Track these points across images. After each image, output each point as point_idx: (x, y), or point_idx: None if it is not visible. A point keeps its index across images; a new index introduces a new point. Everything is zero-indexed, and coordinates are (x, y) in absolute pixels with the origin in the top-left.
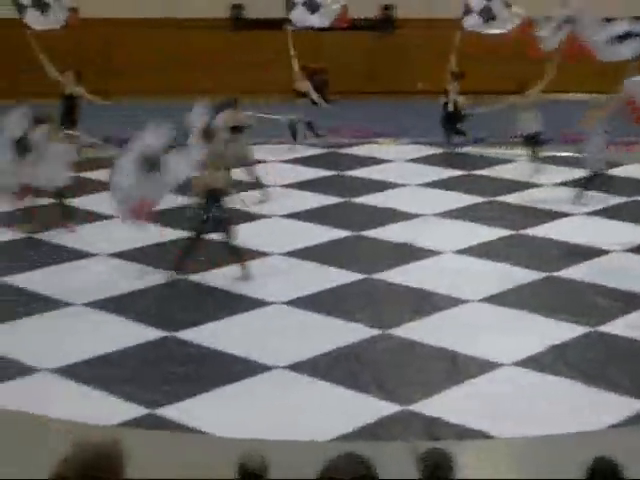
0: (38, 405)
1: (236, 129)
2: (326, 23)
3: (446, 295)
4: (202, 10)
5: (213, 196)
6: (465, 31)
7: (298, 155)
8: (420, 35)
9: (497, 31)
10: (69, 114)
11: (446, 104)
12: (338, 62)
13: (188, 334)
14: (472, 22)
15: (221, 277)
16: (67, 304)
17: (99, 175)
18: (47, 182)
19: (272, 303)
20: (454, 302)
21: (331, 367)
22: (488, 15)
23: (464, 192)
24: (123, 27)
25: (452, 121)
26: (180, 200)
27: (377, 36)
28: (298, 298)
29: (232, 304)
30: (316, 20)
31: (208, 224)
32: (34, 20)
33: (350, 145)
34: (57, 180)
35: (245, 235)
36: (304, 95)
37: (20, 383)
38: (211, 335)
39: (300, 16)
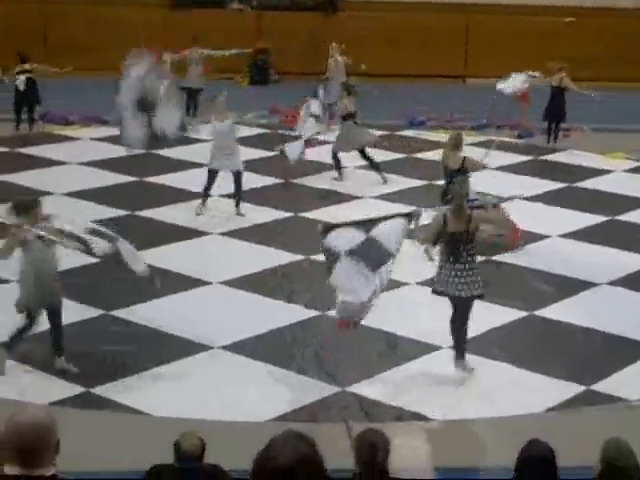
0: None
1: (350, 115)
2: None
3: None
4: None
5: None
6: None
7: None
8: (363, 17)
9: None
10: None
11: None
12: (281, 43)
13: (125, 313)
14: None
15: (159, 256)
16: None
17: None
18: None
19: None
20: (394, 284)
21: (270, 348)
22: None
23: (404, 175)
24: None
25: None
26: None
27: (320, 17)
28: (236, 278)
29: (171, 284)
30: None
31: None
32: None
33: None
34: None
35: None
36: None
37: None
38: (149, 314)
39: None
